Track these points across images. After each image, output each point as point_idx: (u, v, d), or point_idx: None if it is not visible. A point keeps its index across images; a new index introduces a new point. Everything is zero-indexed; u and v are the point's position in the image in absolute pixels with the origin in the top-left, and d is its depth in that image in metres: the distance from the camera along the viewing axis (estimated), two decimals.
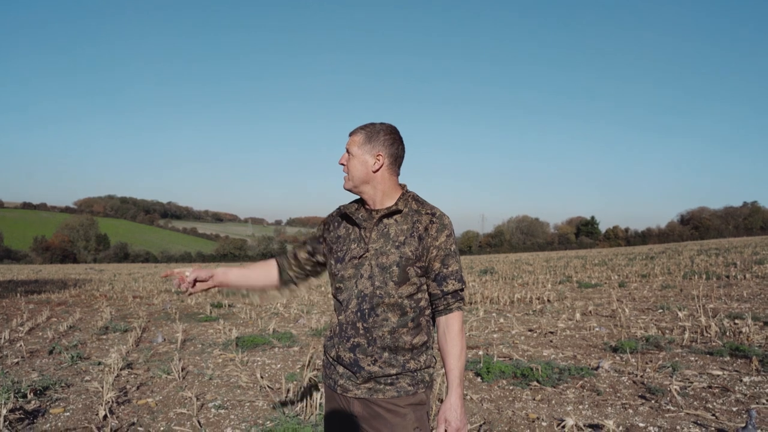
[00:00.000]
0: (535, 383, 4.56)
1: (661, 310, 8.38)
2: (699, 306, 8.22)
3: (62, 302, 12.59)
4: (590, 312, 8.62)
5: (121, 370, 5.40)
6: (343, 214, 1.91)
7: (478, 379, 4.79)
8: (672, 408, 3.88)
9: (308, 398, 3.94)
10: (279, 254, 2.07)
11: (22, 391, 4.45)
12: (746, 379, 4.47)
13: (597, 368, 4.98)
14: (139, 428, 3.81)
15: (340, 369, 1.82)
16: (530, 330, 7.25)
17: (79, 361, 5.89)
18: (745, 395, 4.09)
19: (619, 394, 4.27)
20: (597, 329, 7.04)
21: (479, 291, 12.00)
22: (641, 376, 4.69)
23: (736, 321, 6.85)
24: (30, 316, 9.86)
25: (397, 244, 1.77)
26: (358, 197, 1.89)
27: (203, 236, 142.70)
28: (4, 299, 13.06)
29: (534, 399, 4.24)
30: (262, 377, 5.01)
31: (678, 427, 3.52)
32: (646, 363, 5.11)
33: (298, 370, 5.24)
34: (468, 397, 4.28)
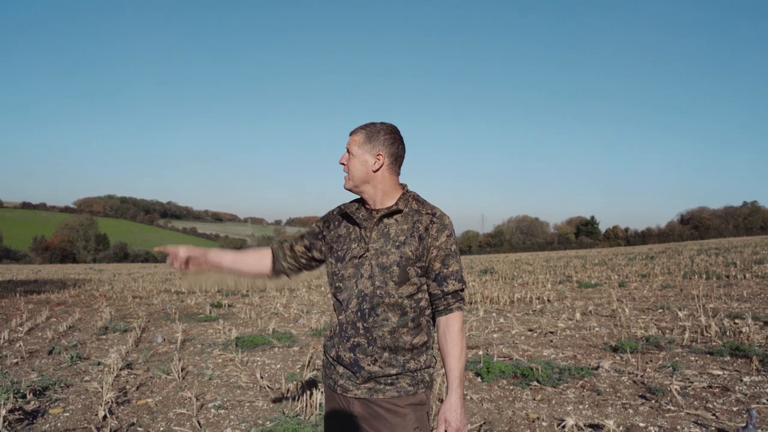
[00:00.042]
0: (535, 383, 4.56)
1: (661, 310, 8.38)
2: (699, 306, 8.21)
3: (62, 302, 12.58)
4: (590, 312, 8.62)
5: (120, 370, 5.39)
6: (343, 213, 1.90)
7: (478, 379, 4.78)
8: (672, 408, 3.88)
9: (308, 398, 3.94)
10: (275, 243, 2.07)
11: (22, 391, 4.44)
12: (746, 378, 4.47)
13: (597, 368, 4.98)
14: (139, 428, 3.81)
15: (340, 369, 1.82)
16: (530, 330, 7.24)
17: (78, 362, 5.88)
18: (746, 395, 4.09)
19: (619, 394, 4.26)
20: (597, 329, 7.04)
21: (479, 291, 12.00)
22: (641, 376, 4.68)
23: (736, 321, 6.85)
24: (29, 316, 9.85)
25: (397, 243, 1.77)
26: (358, 197, 1.89)
27: (203, 236, 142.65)
28: (3, 299, 13.05)
29: (534, 399, 4.23)
30: (261, 377, 5.00)
31: (678, 427, 3.52)
32: (647, 363, 5.11)
33: (298, 370, 5.24)
34: (468, 397, 4.27)
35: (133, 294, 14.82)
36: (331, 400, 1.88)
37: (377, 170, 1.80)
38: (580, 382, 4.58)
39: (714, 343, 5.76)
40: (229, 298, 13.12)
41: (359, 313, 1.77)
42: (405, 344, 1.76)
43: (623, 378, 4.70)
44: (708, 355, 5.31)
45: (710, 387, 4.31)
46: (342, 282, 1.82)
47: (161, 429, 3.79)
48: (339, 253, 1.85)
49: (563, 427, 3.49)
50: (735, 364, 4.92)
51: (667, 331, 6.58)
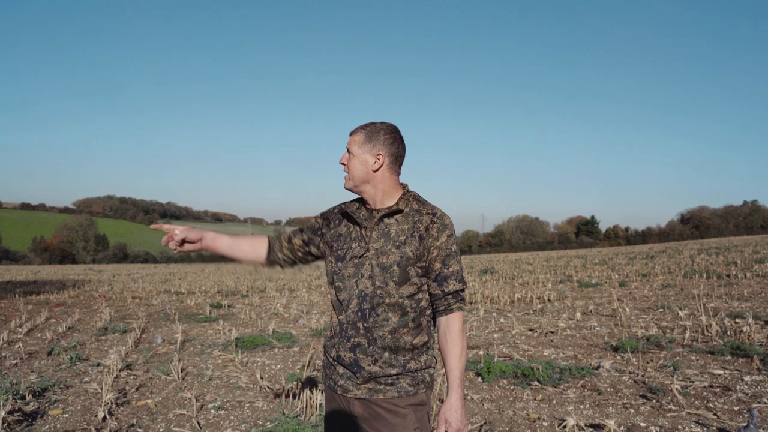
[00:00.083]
0: (535, 383, 4.55)
1: (661, 310, 8.37)
2: (700, 305, 8.21)
3: (61, 303, 12.57)
4: (591, 311, 8.61)
5: (120, 371, 5.38)
6: (344, 213, 1.90)
7: (479, 379, 4.78)
8: (673, 407, 3.87)
9: (308, 399, 3.93)
10: (273, 233, 2.06)
11: (21, 392, 4.43)
12: (747, 378, 4.46)
13: (598, 368, 4.97)
14: (139, 429, 3.80)
15: (341, 369, 1.81)
16: (531, 330, 7.23)
17: (78, 363, 5.87)
18: (747, 394, 4.08)
19: (620, 394, 4.25)
20: (598, 329, 7.03)
21: (479, 291, 11.99)
22: (642, 376, 4.68)
23: (737, 320, 6.85)
24: (29, 317, 9.84)
25: (397, 243, 1.76)
26: (358, 196, 1.88)
27: None
28: (2, 300, 13.04)
29: (535, 399, 4.23)
30: (261, 378, 5.00)
31: (679, 427, 3.51)
32: (647, 362, 5.10)
33: (298, 371, 5.23)
34: (469, 397, 4.27)
35: (133, 295, 14.81)
36: (332, 400, 1.87)
37: (377, 170, 1.79)
38: (581, 382, 4.58)
39: (715, 343, 5.76)
40: (229, 298, 13.11)
41: (360, 313, 1.76)
42: (405, 344, 1.76)
43: (624, 378, 4.69)
44: (709, 355, 5.30)
45: (711, 386, 4.30)
46: (342, 281, 1.81)
47: (161, 430, 3.78)
48: (339, 252, 1.84)
49: (564, 427, 3.49)
50: (736, 364, 4.92)
51: (668, 330, 6.58)
